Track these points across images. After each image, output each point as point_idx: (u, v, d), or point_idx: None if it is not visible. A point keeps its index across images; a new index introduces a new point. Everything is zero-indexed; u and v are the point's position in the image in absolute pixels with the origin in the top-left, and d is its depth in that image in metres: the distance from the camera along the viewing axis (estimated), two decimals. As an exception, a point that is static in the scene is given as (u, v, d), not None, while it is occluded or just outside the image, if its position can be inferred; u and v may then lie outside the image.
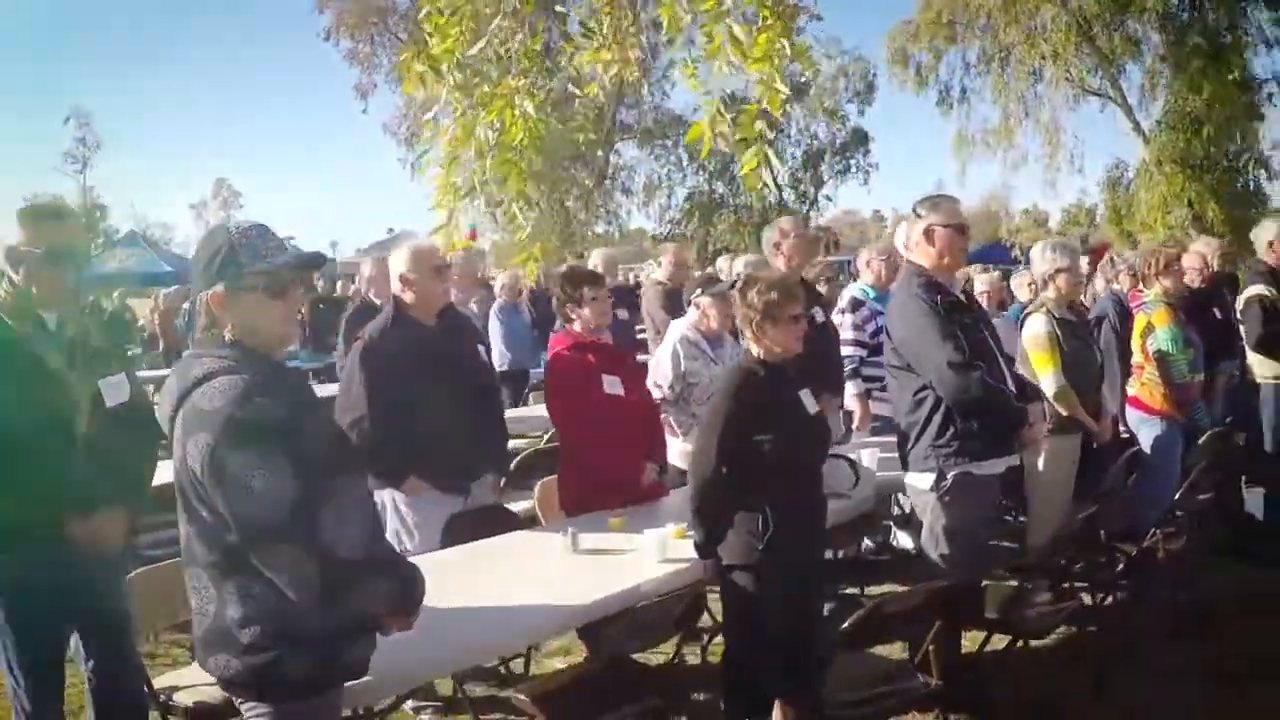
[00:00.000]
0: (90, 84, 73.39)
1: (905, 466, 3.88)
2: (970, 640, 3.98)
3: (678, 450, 4.65)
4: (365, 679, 2.36)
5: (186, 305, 13.70)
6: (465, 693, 3.65)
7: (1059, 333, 4.72)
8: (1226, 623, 4.80)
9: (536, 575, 3.35)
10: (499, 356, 8.56)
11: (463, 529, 3.96)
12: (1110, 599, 4.83)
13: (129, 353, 3.10)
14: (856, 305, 5.86)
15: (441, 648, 2.75)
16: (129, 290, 19.36)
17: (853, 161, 27.86)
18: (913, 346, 3.74)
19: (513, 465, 5.90)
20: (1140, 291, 5.44)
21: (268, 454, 2.02)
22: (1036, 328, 4.75)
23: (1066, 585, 4.40)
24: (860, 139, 27.64)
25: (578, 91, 3.34)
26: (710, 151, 2.96)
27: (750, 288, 3.30)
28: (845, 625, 2.89)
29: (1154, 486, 5.08)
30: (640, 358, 6.07)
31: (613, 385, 4.17)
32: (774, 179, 2.91)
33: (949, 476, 3.71)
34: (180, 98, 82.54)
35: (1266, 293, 5.71)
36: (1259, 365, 5.83)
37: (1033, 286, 6.29)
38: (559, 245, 26.27)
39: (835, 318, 5.81)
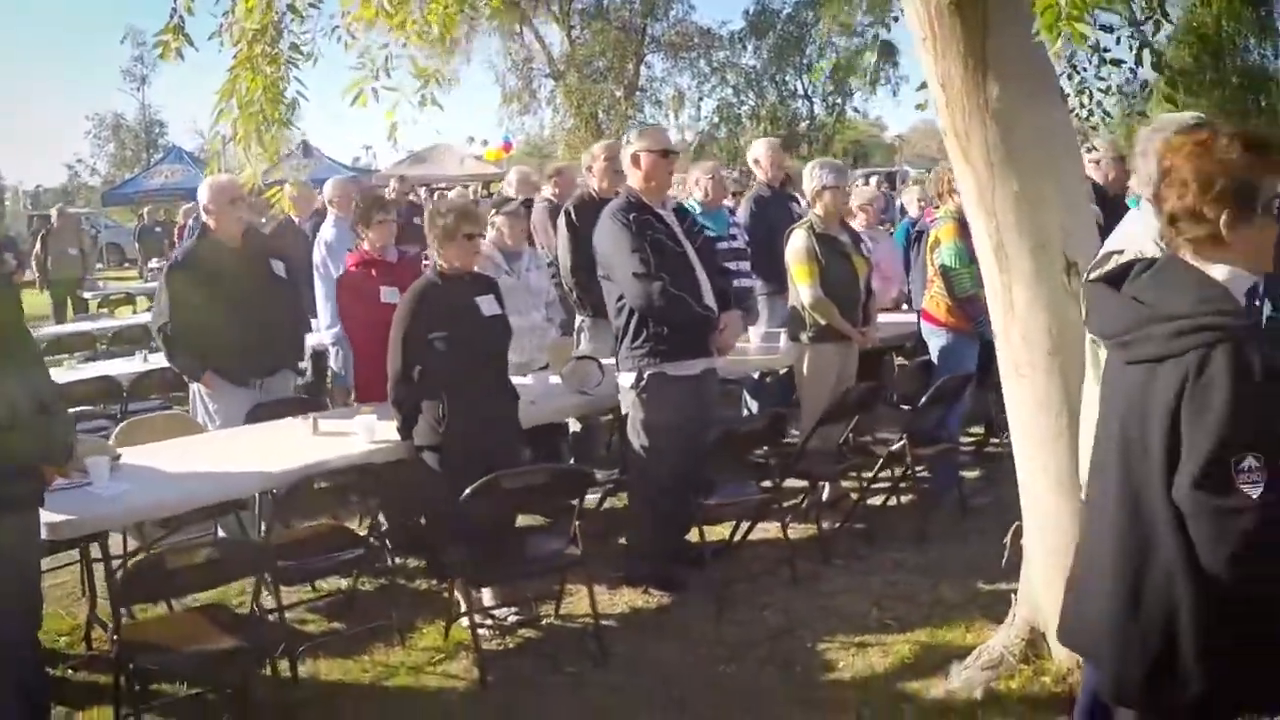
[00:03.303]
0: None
1: (617, 367, 4.40)
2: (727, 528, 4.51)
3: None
4: (67, 516, 3.23)
5: (190, 222, 14.54)
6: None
7: (818, 248, 5.11)
8: (988, 525, 5.15)
9: (268, 452, 3.98)
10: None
11: (261, 416, 4.68)
12: (875, 499, 5.25)
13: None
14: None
15: (135, 499, 3.48)
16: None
17: (881, 74, 27.28)
18: (609, 259, 4.23)
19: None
20: (935, 209, 5.73)
21: None
22: (796, 243, 5.15)
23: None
24: (887, 51, 27.00)
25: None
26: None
27: (435, 209, 3.87)
28: (466, 493, 3.47)
29: (940, 394, 5.47)
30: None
31: (390, 295, 4.76)
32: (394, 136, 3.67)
33: (645, 376, 4.22)
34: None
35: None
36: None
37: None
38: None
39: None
